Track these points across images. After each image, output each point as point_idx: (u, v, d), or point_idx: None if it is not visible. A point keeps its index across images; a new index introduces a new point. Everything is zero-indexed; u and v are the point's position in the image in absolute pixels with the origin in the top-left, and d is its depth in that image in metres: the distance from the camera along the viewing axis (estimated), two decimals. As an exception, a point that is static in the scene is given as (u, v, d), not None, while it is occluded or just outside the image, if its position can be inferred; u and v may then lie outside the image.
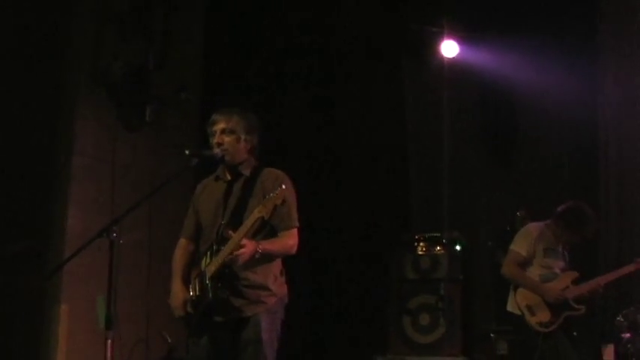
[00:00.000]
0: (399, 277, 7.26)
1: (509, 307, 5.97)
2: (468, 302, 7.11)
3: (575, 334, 5.98)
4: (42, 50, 6.47)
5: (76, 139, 6.49)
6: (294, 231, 4.54)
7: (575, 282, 5.95)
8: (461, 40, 7.46)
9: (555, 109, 7.24)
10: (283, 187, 4.33)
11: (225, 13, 7.23)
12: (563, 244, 6.00)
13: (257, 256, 4.35)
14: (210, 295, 4.39)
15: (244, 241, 4.30)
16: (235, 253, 4.31)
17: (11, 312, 6.23)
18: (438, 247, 7.21)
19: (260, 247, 4.37)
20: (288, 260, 4.64)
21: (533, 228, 6.00)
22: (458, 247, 7.19)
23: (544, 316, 5.83)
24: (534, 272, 5.92)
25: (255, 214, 4.31)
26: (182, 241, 4.81)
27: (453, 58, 7.49)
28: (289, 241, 4.51)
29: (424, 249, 7.24)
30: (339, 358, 7.46)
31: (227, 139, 4.59)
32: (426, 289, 7.15)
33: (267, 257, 4.47)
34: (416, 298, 7.16)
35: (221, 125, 4.62)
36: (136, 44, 6.48)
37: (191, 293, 4.52)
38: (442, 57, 7.50)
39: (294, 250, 4.55)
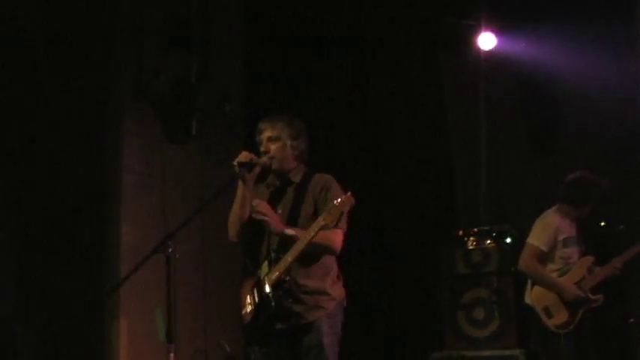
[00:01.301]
0: (450, 273, 7.19)
1: (528, 300, 5.88)
2: (521, 294, 7.01)
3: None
4: (85, 67, 6.52)
5: (124, 155, 6.53)
6: (340, 232, 4.50)
7: (591, 268, 5.82)
8: (497, 31, 7.38)
9: (596, 95, 7.13)
10: (349, 193, 4.31)
11: (264, 21, 7.22)
12: (577, 223, 5.86)
13: (288, 232, 4.38)
14: (273, 303, 4.39)
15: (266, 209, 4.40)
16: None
17: (71, 327, 6.28)
18: (488, 241, 7.13)
19: (290, 230, 4.39)
20: (342, 263, 4.63)
21: (552, 218, 5.87)
22: (508, 240, 7.10)
23: (562, 316, 5.77)
24: (553, 267, 5.81)
25: (319, 222, 4.30)
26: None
27: (491, 50, 7.41)
28: (333, 236, 4.48)
29: (474, 243, 7.17)
30: (395, 357, 7.43)
31: (273, 146, 4.60)
32: (479, 283, 7.07)
33: (321, 266, 4.46)
34: (469, 292, 7.09)
35: (267, 133, 4.63)
36: (177, 57, 6.49)
37: (249, 302, 4.50)
38: (479, 50, 7.43)
39: (338, 248, 4.51)
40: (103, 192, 6.55)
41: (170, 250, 4.19)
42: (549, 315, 5.74)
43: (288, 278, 4.41)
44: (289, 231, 4.41)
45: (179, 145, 6.71)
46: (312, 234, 4.31)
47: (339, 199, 4.29)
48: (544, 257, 5.79)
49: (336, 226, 4.40)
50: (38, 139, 6.40)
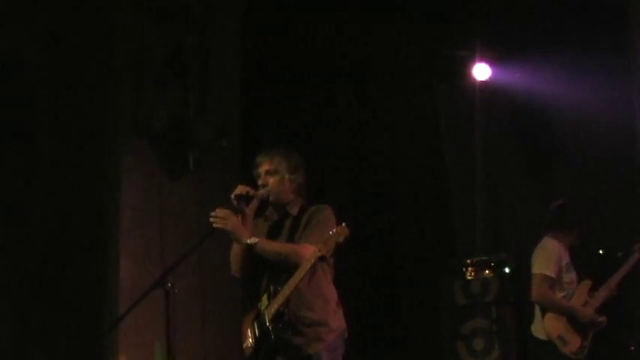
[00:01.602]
0: (450, 303, 7.19)
1: (536, 333, 5.87)
2: (521, 324, 6.99)
3: None
4: (83, 103, 6.54)
5: (122, 190, 6.53)
6: (311, 247, 4.40)
7: (591, 292, 5.86)
8: (492, 62, 7.43)
9: (591, 123, 7.17)
10: (343, 224, 4.31)
11: (262, 55, 7.26)
12: (569, 249, 5.92)
13: (249, 242, 4.40)
14: (273, 336, 4.39)
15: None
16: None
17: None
18: (487, 271, 7.14)
19: (254, 239, 4.40)
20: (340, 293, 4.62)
21: (552, 245, 5.90)
22: (507, 269, 7.10)
23: (575, 342, 5.78)
24: (560, 293, 5.84)
25: (315, 253, 4.30)
26: None
27: (486, 80, 7.46)
28: (297, 247, 4.45)
29: (473, 273, 7.17)
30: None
31: (271, 179, 4.62)
32: (478, 313, 7.06)
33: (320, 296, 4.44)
34: (468, 322, 7.09)
35: (265, 166, 4.65)
36: (174, 92, 6.51)
37: (249, 335, 4.49)
38: (474, 80, 7.48)
39: (299, 260, 4.40)
40: (101, 227, 6.55)
41: (169, 285, 4.19)
42: (564, 343, 5.75)
43: (287, 311, 4.40)
44: (253, 239, 4.41)
45: (177, 179, 6.71)
46: (307, 267, 4.30)
47: (334, 230, 4.29)
48: (552, 284, 5.80)
49: (309, 240, 4.42)
50: (37, 173, 6.42)
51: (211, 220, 4.45)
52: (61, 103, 6.49)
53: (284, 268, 4.45)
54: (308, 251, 4.38)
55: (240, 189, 4.55)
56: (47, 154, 6.44)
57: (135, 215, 6.53)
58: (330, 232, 4.30)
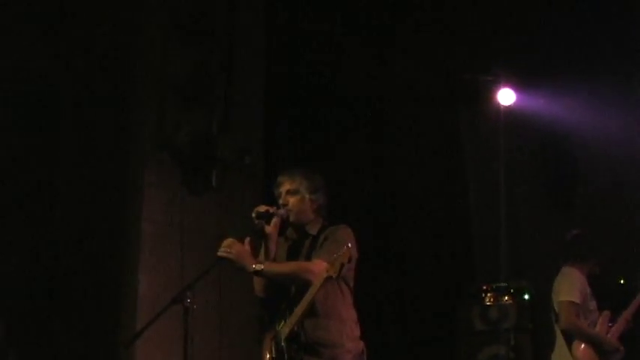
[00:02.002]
0: (467, 329, 7.14)
1: None
2: (538, 351, 6.94)
3: None
4: (106, 121, 6.59)
5: (144, 205, 6.55)
6: (322, 263, 4.37)
7: (610, 321, 5.89)
8: (517, 87, 7.41)
9: (614, 150, 7.13)
10: (349, 245, 4.29)
11: (285, 75, 7.30)
12: (588, 279, 5.91)
13: (257, 268, 4.36)
14: (286, 357, 4.37)
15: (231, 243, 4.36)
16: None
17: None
18: (506, 297, 7.10)
19: (258, 265, 4.36)
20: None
21: (575, 274, 5.92)
22: (526, 296, 7.05)
23: None
24: (585, 321, 5.82)
25: (322, 274, 4.26)
26: None
27: (510, 105, 7.43)
28: (310, 266, 4.43)
29: (492, 299, 7.13)
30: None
31: (292, 199, 4.62)
32: (496, 339, 7.03)
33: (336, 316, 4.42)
34: (486, 349, 7.05)
35: (286, 186, 4.65)
36: (198, 110, 6.54)
37: (267, 356, 4.50)
38: (498, 105, 7.45)
39: (310, 277, 4.37)
40: (122, 241, 6.58)
41: (188, 300, 4.18)
42: None
43: (301, 331, 4.39)
44: (258, 266, 4.38)
45: (199, 196, 6.73)
46: (317, 286, 4.26)
47: (342, 250, 4.27)
48: (578, 311, 5.79)
49: (319, 256, 4.41)
50: (59, 187, 6.47)
51: (219, 253, 4.45)
52: (86, 117, 6.54)
53: (297, 287, 4.43)
54: (318, 267, 4.36)
55: (261, 208, 4.55)
56: (70, 167, 6.48)
57: (155, 230, 6.55)
58: (338, 254, 4.27)
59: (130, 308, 6.38)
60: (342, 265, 4.26)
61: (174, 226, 6.61)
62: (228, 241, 4.44)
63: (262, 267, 4.38)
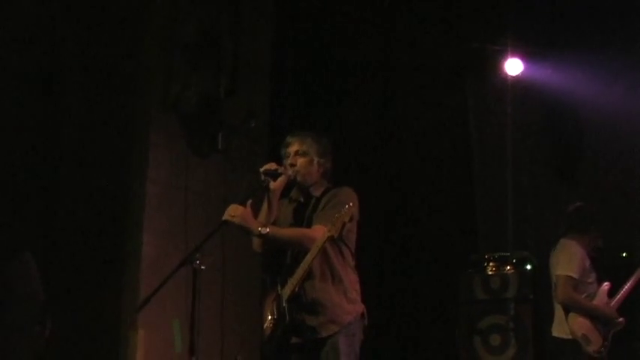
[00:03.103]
0: (468, 298, 7.16)
1: (558, 333, 5.92)
2: (538, 322, 6.96)
3: None
4: (113, 81, 6.58)
5: (149, 167, 6.55)
6: (322, 229, 4.39)
7: (609, 293, 5.92)
8: (524, 57, 7.36)
9: (623, 124, 7.11)
10: (350, 204, 4.31)
11: (293, 40, 7.27)
12: (589, 252, 5.92)
13: (263, 232, 4.35)
14: (288, 317, 4.40)
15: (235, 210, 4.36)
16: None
17: (87, 337, 6.29)
18: (508, 267, 7.11)
19: (264, 228, 4.36)
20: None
21: (575, 247, 5.95)
22: (528, 267, 7.07)
23: (597, 341, 5.83)
24: (584, 294, 5.85)
25: (325, 233, 4.29)
26: None
27: (517, 76, 7.39)
28: (312, 233, 4.44)
29: (494, 269, 7.14)
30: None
31: (300, 160, 4.64)
32: (497, 309, 7.05)
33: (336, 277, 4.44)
34: (486, 318, 7.06)
35: (295, 147, 4.67)
36: (205, 72, 6.51)
37: (269, 317, 4.53)
38: (506, 75, 7.41)
39: (310, 243, 4.40)
40: (125, 202, 6.58)
41: (197, 262, 4.21)
42: (588, 342, 5.82)
43: (302, 292, 4.42)
44: (263, 229, 4.38)
45: (204, 158, 6.73)
46: (319, 246, 4.29)
47: (344, 209, 4.28)
48: (576, 285, 5.82)
49: (319, 221, 4.42)
50: (64, 146, 6.46)
51: (224, 217, 4.45)
52: (92, 78, 6.52)
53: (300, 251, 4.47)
54: (319, 233, 4.37)
55: (270, 165, 4.57)
56: (76, 126, 6.47)
57: (160, 192, 6.56)
58: (340, 212, 4.29)
59: (134, 269, 6.40)
60: (344, 224, 4.28)
61: (179, 188, 6.62)
62: (232, 206, 4.44)
63: (267, 230, 4.39)
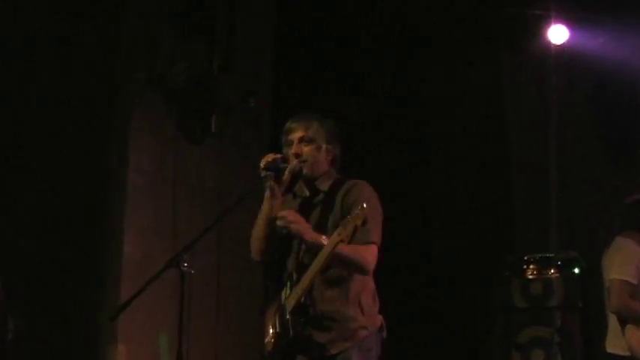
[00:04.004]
0: (505, 306, 7.23)
1: (613, 348, 5.87)
2: (589, 334, 7.03)
3: None
4: (90, 54, 6.65)
5: (131, 154, 6.65)
6: (372, 248, 4.50)
7: None
8: (570, 23, 7.37)
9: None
10: (364, 205, 4.30)
11: (298, 8, 7.31)
12: None
13: (324, 242, 4.34)
14: (291, 332, 4.43)
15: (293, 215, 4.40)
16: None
17: (64, 351, 6.39)
18: (552, 270, 7.16)
19: (325, 238, 4.35)
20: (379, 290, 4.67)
21: (632, 247, 5.84)
22: (576, 270, 7.12)
23: None
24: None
25: (334, 238, 4.30)
26: None
27: (562, 45, 7.40)
28: (363, 252, 4.48)
29: (535, 272, 7.20)
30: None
31: (306, 148, 4.64)
32: (539, 319, 7.11)
33: (340, 264, 4.48)
34: (526, 330, 7.13)
35: (299, 133, 4.67)
36: (197, 45, 6.58)
37: (271, 331, 4.58)
38: (548, 44, 7.41)
39: (370, 268, 4.50)
40: (105, 195, 6.69)
41: (185, 264, 4.23)
42: None
43: (309, 302, 4.44)
44: (324, 240, 4.37)
45: (196, 144, 6.81)
46: (326, 253, 4.31)
47: (354, 212, 4.29)
48: (633, 291, 5.81)
49: (364, 241, 4.44)
50: (33, 132, 6.51)
51: (278, 223, 4.48)
52: (67, 50, 6.58)
53: (306, 251, 4.50)
54: (373, 253, 4.48)
55: (270, 157, 4.56)
56: (48, 107, 6.53)
57: (145, 183, 6.65)
58: (351, 215, 4.29)
59: (114, 273, 6.51)
60: (356, 227, 4.27)
61: (166, 179, 6.72)
62: (290, 212, 4.47)
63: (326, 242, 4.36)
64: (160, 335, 6.34)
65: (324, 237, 4.39)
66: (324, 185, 4.68)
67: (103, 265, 6.59)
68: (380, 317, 4.67)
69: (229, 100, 6.80)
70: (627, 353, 5.79)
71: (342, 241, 4.27)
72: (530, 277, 7.21)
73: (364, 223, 4.33)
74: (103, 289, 6.53)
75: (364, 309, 4.59)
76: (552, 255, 7.22)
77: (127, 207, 6.61)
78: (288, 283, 4.57)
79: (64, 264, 6.45)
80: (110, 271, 6.55)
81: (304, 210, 4.66)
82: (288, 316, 4.46)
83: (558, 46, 7.40)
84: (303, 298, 4.44)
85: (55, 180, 6.51)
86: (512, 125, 7.98)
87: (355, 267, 4.52)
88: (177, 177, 6.75)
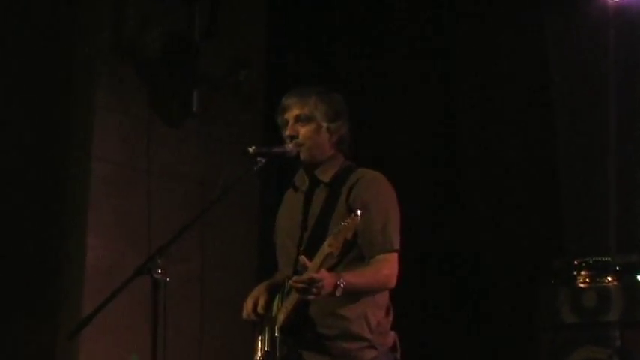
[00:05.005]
0: (552, 321, 7.24)
1: None
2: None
3: None
4: (42, 16, 6.67)
5: (95, 139, 6.68)
6: (392, 256, 4.54)
7: None
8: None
9: None
10: (358, 213, 4.29)
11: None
12: None
13: (338, 293, 4.33)
14: (278, 354, 4.49)
15: (320, 274, 4.29)
16: (303, 294, 4.33)
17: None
18: (609, 277, 7.17)
19: (342, 281, 4.33)
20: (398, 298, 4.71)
21: None
22: (638, 277, 7.15)
23: None
24: None
25: (324, 249, 4.31)
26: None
27: (620, 2, 7.40)
28: (384, 269, 4.52)
29: (588, 280, 7.22)
30: None
31: (303, 129, 4.67)
32: (593, 337, 7.11)
33: (353, 294, 4.49)
34: (578, 350, 7.13)
35: (295, 111, 4.71)
36: (174, 5, 6.60)
37: (260, 348, 4.64)
38: (603, 4, 7.42)
39: (393, 282, 4.55)
40: (63, 188, 6.72)
41: (159, 271, 4.24)
42: None
43: (301, 319, 4.48)
44: (341, 283, 4.33)
45: (174, 126, 6.85)
46: (317, 264, 4.30)
47: (347, 221, 4.28)
48: None
49: (381, 249, 4.50)
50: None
51: (295, 285, 4.38)
52: (10, 9, 6.60)
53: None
54: (392, 264, 4.53)
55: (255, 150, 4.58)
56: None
57: (112, 174, 6.70)
58: (343, 223, 4.29)
59: (75, 282, 6.56)
60: (345, 240, 4.27)
61: (137, 169, 6.77)
62: (311, 276, 4.32)
63: (342, 285, 4.34)
64: (132, 356, 6.38)
65: (340, 282, 4.34)
66: (325, 175, 4.71)
67: (61, 274, 6.64)
68: (393, 334, 4.70)
69: (214, 72, 6.82)
70: None
71: (331, 253, 4.27)
72: (582, 285, 7.21)
73: (354, 236, 4.35)
74: (61, 302, 6.58)
75: (372, 325, 4.61)
76: (609, 259, 7.24)
77: (90, 203, 6.65)
78: (279, 294, 4.63)
79: (13, 272, 6.48)
80: (70, 280, 6.60)
81: (307, 206, 4.70)
82: (276, 334, 4.51)
83: (615, 3, 7.41)
84: (293, 314, 4.47)
85: (2, 172, 6.54)
86: (559, 100, 7.98)
87: (377, 291, 4.58)
88: (152, 166, 6.80)
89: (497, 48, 7.79)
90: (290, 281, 4.38)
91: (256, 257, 6.91)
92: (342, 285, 4.32)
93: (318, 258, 4.31)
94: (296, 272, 4.52)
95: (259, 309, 4.66)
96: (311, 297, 4.31)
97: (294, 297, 4.43)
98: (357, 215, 4.27)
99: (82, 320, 4.52)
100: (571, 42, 7.84)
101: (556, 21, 7.91)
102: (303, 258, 4.37)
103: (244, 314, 4.73)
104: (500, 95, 7.83)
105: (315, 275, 4.26)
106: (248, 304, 4.72)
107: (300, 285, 4.29)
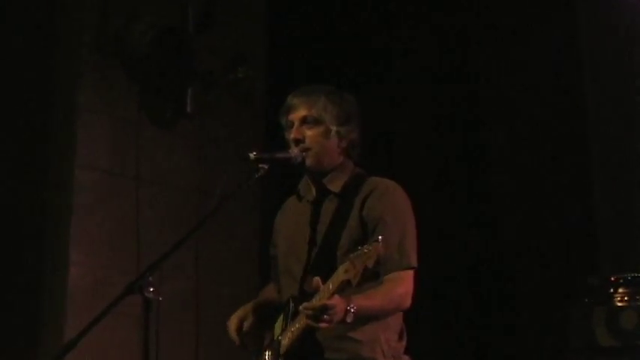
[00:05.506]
0: (587, 344, 7.25)
1: None
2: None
3: None
4: (22, 9, 6.70)
5: (78, 144, 6.70)
6: (407, 274, 4.56)
7: None
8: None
9: None
10: (379, 239, 4.27)
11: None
12: None
13: (348, 320, 4.32)
14: None
15: (333, 300, 4.26)
16: (313, 322, 4.31)
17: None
18: (649, 296, 7.19)
19: (352, 306, 4.31)
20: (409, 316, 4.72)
21: None
22: (684, 295, 7.16)
23: None
24: None
25: (339, 274, 4.29)
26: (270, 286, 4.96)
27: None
28: (398, 288, 4.55)
29: (626, 298, 7.23)
30: None
31: (310, 132, 4.68)
32: (634, 361, 7.14)
33: (364, 318, 4.49)
34: (618, 376, 7.16)
35: (301, 112, 4.71)
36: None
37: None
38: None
39: (407, 302, 4.57)
40: (44, 200, 6.74)
41: (151, 289, 4.24)
42: None
43: (308, 344, 4.50)
44: (351, 309, 4.31)
45: (166, 128, 6.87)
46: (332, 290, 4.28)
47: (368, 247, 4.26)
48: None
49: (397, 265, 4.52)
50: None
51: (305, 312, 4.36)
52: None
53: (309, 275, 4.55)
54: (408, 282, 4.54)
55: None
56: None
57: (97, 182, 6.71)
58: (364, 249, 4.27)
59: (57, 303, 6.57)
60: (366, 268, 4.24)
61: (126, 176, 6.78)
62: (324, 303, 4.30)
63: (353, 310, 4.33)
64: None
65: (351, 310, 4.33)
66: (334, 184, 4.72)
67: (42, 292, 6.64)
68: (407, 359, 4.71)
69: (210, 69, 6.84)
70: None
71: (348, 281, 4.24)
72: (620, 304, 7.22)
73: (377, 262, 4.31)
74: (42, 324, 6.59)
75: (384, 350, 4.63)
76: (648, 275, 7.26)
77: (74, 214, 6.67)
78: (282, 314, 4.63)
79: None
80: (51, 300, 6.61)
81: (313, 218, 4.72)
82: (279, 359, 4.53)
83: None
84: (297, 341, 4.47)
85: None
86: (591, 89, 7.99)
87: (391, 313, 4.61)
88: (141, 173, 6.81)
89: (529, 31, 7.81)
90: (300, 307, 4.34)
91: (257, 273, 6.87)
92: (352, 310, 4.30)
93: (332, 284, 4.29)
94: (303, 293, 4.55)
95: (245, 329, 4.72)
96: (323, 325, 4.29)
97: (302, 323, 4.41)
98: (379, 241, 4.26)
99: (65, 344, 4.48)
100: (606, 23, 7.86)
101: (588, 6, 7.94)
102: (318, 280, 4.34)
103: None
104: (530, 106, 7.84)
105: (328, 302, 4.24)
106: (232, 323, 4.77)
107: (310, 312, 4.27)
